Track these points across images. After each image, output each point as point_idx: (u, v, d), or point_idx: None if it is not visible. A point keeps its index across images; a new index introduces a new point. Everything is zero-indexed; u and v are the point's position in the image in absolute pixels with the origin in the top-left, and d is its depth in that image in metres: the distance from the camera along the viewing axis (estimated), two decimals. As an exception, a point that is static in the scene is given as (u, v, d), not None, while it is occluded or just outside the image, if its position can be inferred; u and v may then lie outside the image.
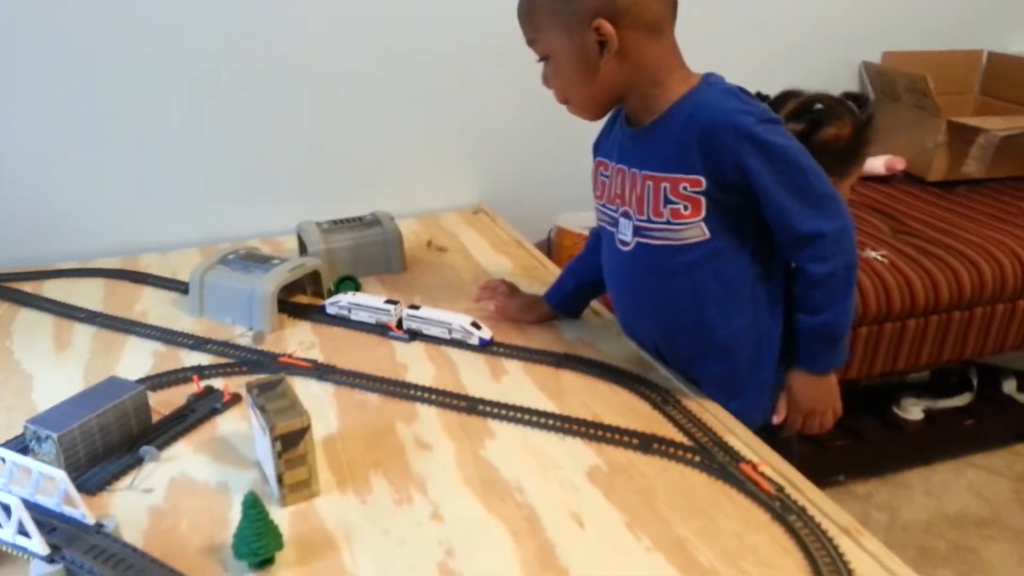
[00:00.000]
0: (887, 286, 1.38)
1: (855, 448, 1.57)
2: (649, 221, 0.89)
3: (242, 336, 1.11)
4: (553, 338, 1.10)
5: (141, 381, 0.97)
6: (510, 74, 1.57)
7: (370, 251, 1.31)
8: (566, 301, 1.14)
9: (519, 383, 0.99)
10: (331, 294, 1.22)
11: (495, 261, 1.38)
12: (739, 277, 0.90)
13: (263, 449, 0.79)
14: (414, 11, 1.48)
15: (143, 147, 1.40)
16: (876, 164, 1.84)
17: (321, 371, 1.01)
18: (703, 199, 0.85)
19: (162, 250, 1.41)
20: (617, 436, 0.87)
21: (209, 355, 1.06)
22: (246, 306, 1.13)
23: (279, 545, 0.70)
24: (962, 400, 1.68)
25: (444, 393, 0.96)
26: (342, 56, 1.47)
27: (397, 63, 1.51)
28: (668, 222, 0.88)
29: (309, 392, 0.97)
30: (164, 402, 0.94)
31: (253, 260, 1.19)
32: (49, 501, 0.68)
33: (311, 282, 1.23)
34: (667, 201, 0.87)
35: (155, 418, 0.90)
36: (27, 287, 1.25)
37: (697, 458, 0.83)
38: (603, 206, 0.97)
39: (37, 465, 0.68)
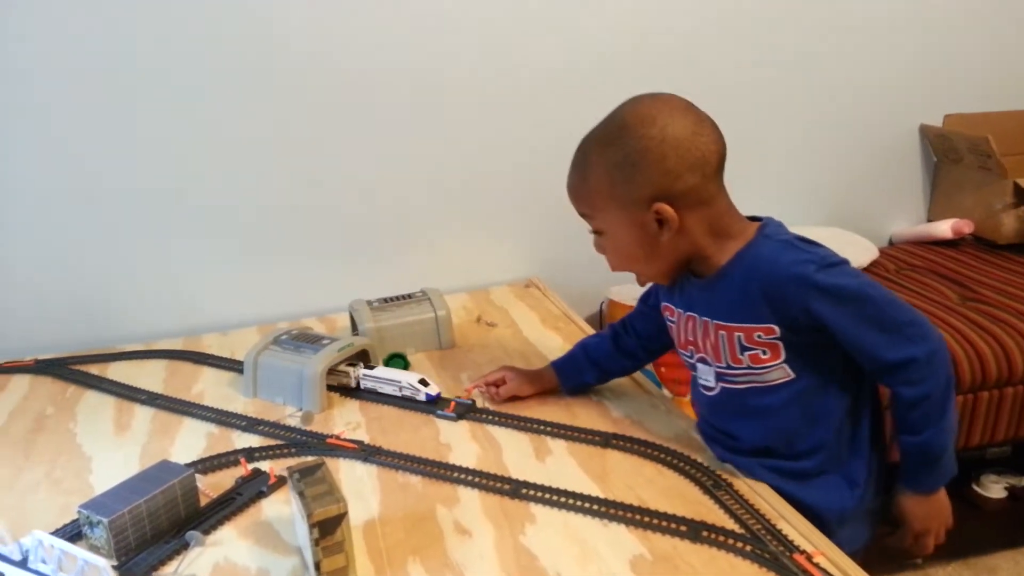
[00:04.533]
0: (956, 357, 1.31)
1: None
2: (729, 368, 0.89)
3: (292, 416, 1.13)
4: (600, 416, 1.08)
5: (193, 464, 0.99)
6: (560, 149, 1.60)
7: (419, 328, 1.33)
8: (572, 364, 1.13)
9: (563, 464, 0.97)
10: (381, 372, 1.24)
11: (544, 336, 1.37)
12: (826, 411, 0.88)
13: (303, 535, 0.79)
14: (470, 87, 1.52)
15: (203, 231, 1.46)
16: (943, 228, 1.78)
17: (367, 452, 1.02)
18: (780, 343, 0.85)
19: (223, 330, 1.46)
20: (663, 523, 0.84)
21: (259, 436, 1.08)
22: (296, 386, 1.15)
23: (313, 637, 0.69)
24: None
25: (487, 475, 0.95)
26: (396, 136, 1.51)
27: (448, 143, 1.55)
28: (749, 367, 0.87)
29: (354, 474, 0.97)
30: (213, 484, 0.95)
31: (304, 340, 1.21)
32: (93, 589, 0.69)
33: (363, 361, 1.24)
34: (744, 348, 0.87)
35: (203, 501, 0.92)
36: (94, 369, 1.31)
37: (748, 547, 0.79)
38: (678, 351, 0.98)
39: (83, 553, 0.70)
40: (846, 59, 1.71)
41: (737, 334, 0.87)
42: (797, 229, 0.89)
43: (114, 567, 0.69)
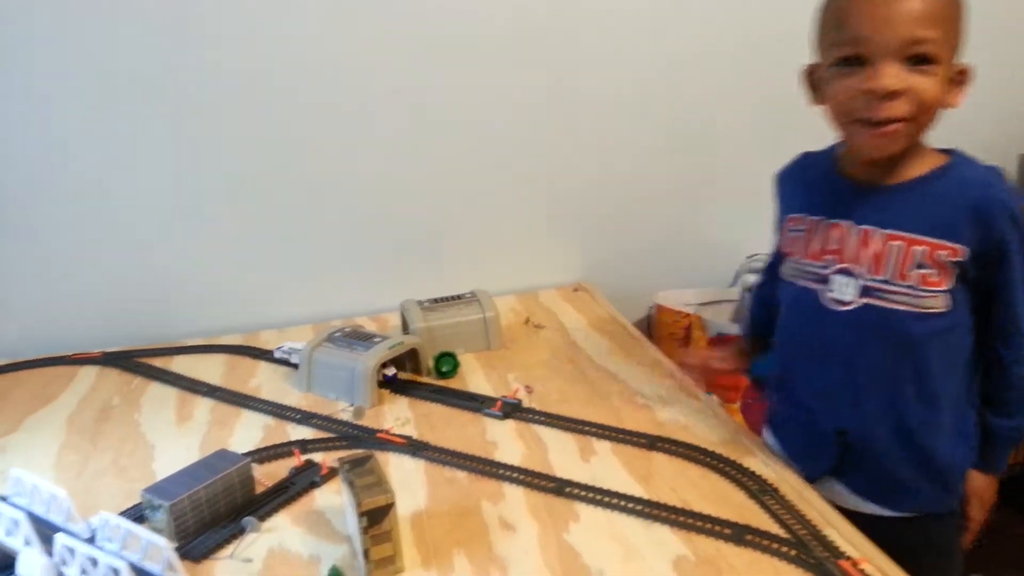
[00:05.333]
0: None
1: (995, 543, 1.43)
2: (887, 283, 0.85)
3: (344, 411, 1.16)
4: (646, 419, 1.09)
5: (249, 454, 1.03)
6: (612, 155, 1.61)
7: (469, 329, 1.35)
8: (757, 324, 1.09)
9: (608, 464, 0.98)
10: (430, 371, 1.27)
11: (592, 339, 1.38)
12: (959, 356, 0.88)
13: (352, 524, 0.82)
14: (522, 91, 1.54)
15: (263, 233, 1.50)
16: None
17: (415, 447, 1.04)
18: (956, 269, 0.84)
19: (280, 327, 1.50)
20: (707, 525, 0.84)
21: (313, 429, 1.11)
22: (348, 382, 1.18)
23: (361, 622, 0.71)
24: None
25: (532, 473, 0.96)
26: (447, 142, 1.54)
27: (499, 148, 1.57)
28: (913, 287, 0.85)
29: (402, 468, 1.00)
30: (268, 474, 0.99)
31: (357, 338, 1.25)
32: (155, 567, 0.73)
33: (411, 358, 1.27)
34: (919, 265, 0.84)
35: (259, 489, 0.95)
36: (157, 362, 1.36)
37: (793, 552, 0.79)
38: (799, 262, 0.93)
39: (146, 533, 0.73)
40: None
41: (917, 247, 0.83)
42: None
43: (174, 549, 0.72)
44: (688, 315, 1.56)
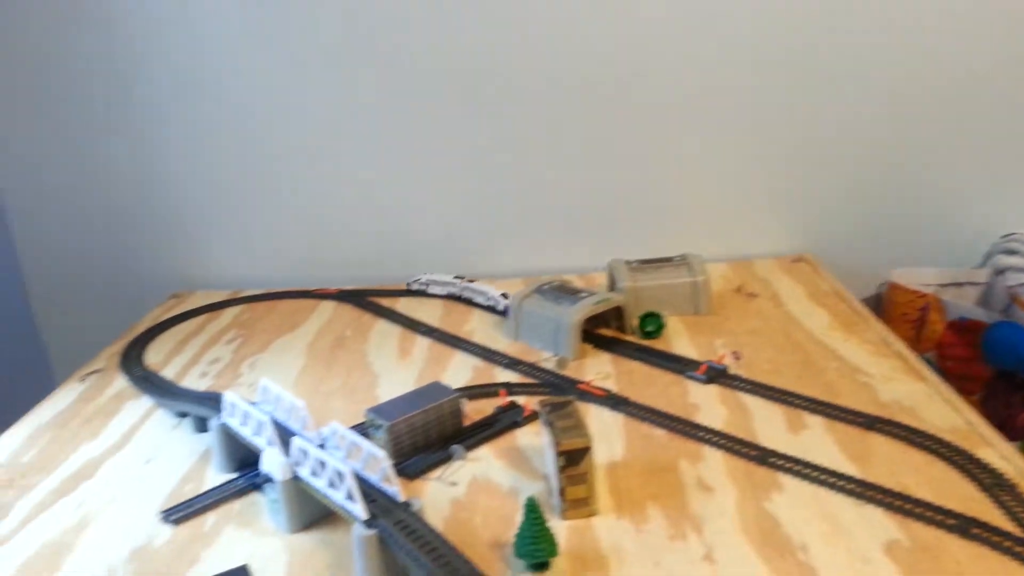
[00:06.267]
0: None
1: None
2: None
3: (547, 360, 1.19)
4: (867, 397, 1.01)
5: (459, 389, 1.09)
6: (841, 117, 1.49)
7: (676, 291, 1.33)
8: None
9: (819, 440, 0.93)
10: (635, 330, 1.26)
11: (809, 310, 1.30)
12: None
13: (550, 463, 0.84)
14: (758, 48, 1.47)
15: (488, 194, 1.58)
16: None
17: (614, 401, 1.05)
18: None
19: (494, 277, 1.57)
20: (928, 512, 0.77)
21: (518, 374, 1.16)
22: (554, 333, 1.22)
23: (553, 552, 0.74)
24: None
25: (734, 439, 0.93)
26: (670, 114, 1.51)
27: (725, 116, 1.51)
28: None
29: (600, 419, 1.01)
30: (476, 410, 1.04)
31: (564, 292, 1.27)
32: (373, 476, 0.80)
33: (616, 317, 1.28)
34: None
35: (466, 423, 1.01)
36: (385, 302, 1.48)
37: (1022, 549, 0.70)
38: None
39: (368, 445, 0.80)
40: None
41: None
42: None
43: (391, 464, 0.79)
44: (925, 295, 1.42)
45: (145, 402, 1.16)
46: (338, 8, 1.47)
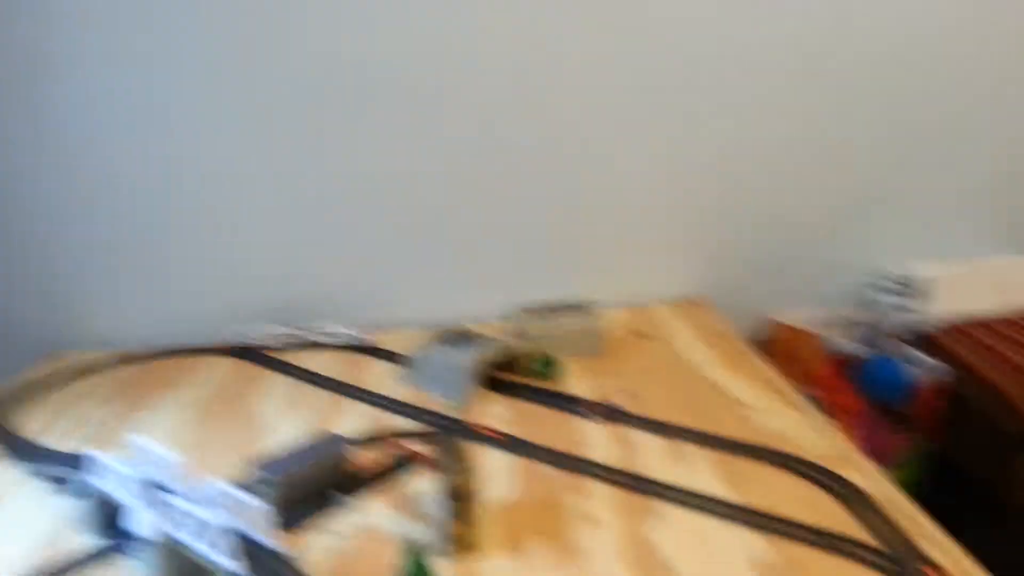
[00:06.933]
0: None
1: None
2: None
3: (445, 407, 1.20)
4: (746, 428, 1.05)
5: (351, 439, 1.08)
6: (730, 165, 1.58)
7: (574, 336, 1.36)
8: None
9: (699, 469, 0.96)
10: (533, 373, 1.28)
11: (699, 351, 1.35)
12: None
13: (437, 504, 0.84)
14: (648, 99, 1.53)
15: (378, 236, 1.57)
16: None
17: (509, 443, 1.06)
18: None
19: (392, 328, 1.57)
20: (797, 531, 0.80)
21: (414, 422, 1.16)
22: (453, 380, 1.22)
23: (434, 593, 0.73)
24: None
25: (620, 472, 0.96)
26: (574, 145, 1.55)
27: (618, 158, 1.57)
28: None
29: (494, 461, 1.02)
30: (367, 458, 1.03)
31: (464, 339, 1.29)
32: (255, 532, 0.78)
33: (515, 362, 1.30)
34: None
35: (357, 472, 1.00)
36: (288, 356, 1.46)
37: (882, 562, 0.74)
38: None
39: (248, 498, 0.79)
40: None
41: None
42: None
43: (273, 518, 0.78)
44: (807, 333, 1.49)
45: (13, 467, 1.11)
46: (205, 48, 1.44)
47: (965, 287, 1.48)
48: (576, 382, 1.26)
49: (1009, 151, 1.61)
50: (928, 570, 0.71)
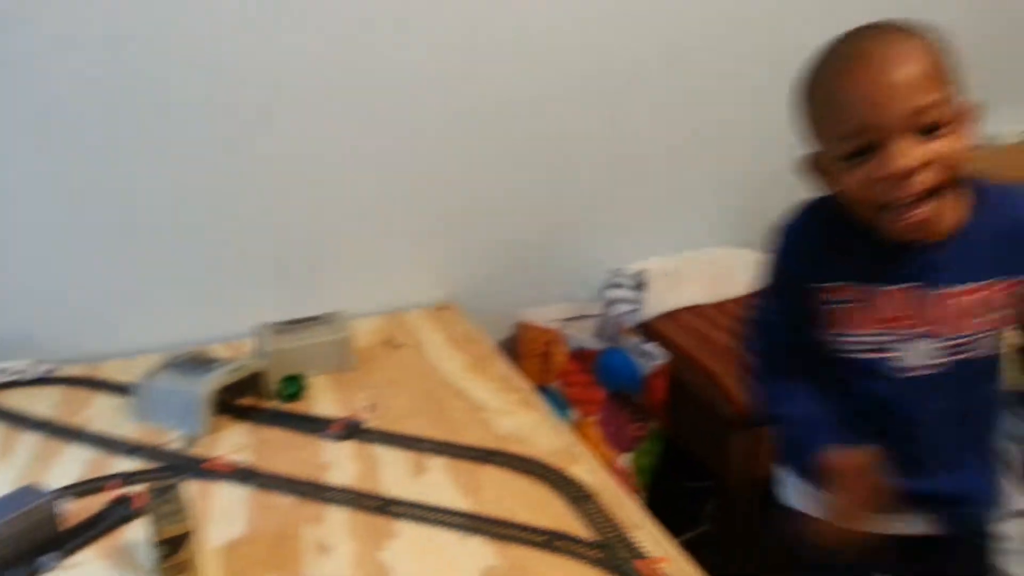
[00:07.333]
0: None
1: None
2: (970, 336, 0.80)
3: (176, 441, 1.12)
4: (486, 433, 1.09)
5: (65, 488, 0.98)
6: (471, 170, 1.62)
7: (321, 350, 1.33)
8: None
9: (438, 481, 0.98)
10: (277, 394, 1.24)
11: (447, 355, 1.38)
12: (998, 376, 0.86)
13: (151, 554, 0.78)
14: (385, 105, 1.52)
15: (108, 253, 1.44)
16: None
17: (242, 475, 1.01)
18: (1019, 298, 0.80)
19: (126, 356, 1.44)
20: (523, 534, 0.85)
21: (139, 460, 1.07)
22: (184, 410, 1.15)
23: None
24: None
25: (359, 494, 0.95)
26: (311, 155, 1.50)
27: (359, 169, 1.55)
28: (987, 332, 0.80)
29: (226, 496, 0.97)
30: (81, 508, 0.94)
31: (196, 363, 1.21)
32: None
33: (256, 383, 1.24)
34: (991, 310, 0.79)
35: (68, 525, 0.90)
36: (-14, 397, 1.29)
37: (599, 555, 0.80)
38: (861, 336, 0.82)
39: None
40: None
41: (987, 293, 0.78)
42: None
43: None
44: (549, 331, 1.58)
45: None
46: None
47: (682, 278, 1.64)
48: (324, 400, 1.23)
49: (734, 153, 1.79)
50: (639, 562, 0.77)
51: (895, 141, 0.72)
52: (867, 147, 0.73)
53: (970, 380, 0.81)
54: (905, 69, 0.72)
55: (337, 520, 0.90)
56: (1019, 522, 1.36)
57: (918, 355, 0.80)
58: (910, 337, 0.80)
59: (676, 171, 1.76)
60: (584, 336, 1.58)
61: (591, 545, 0.82)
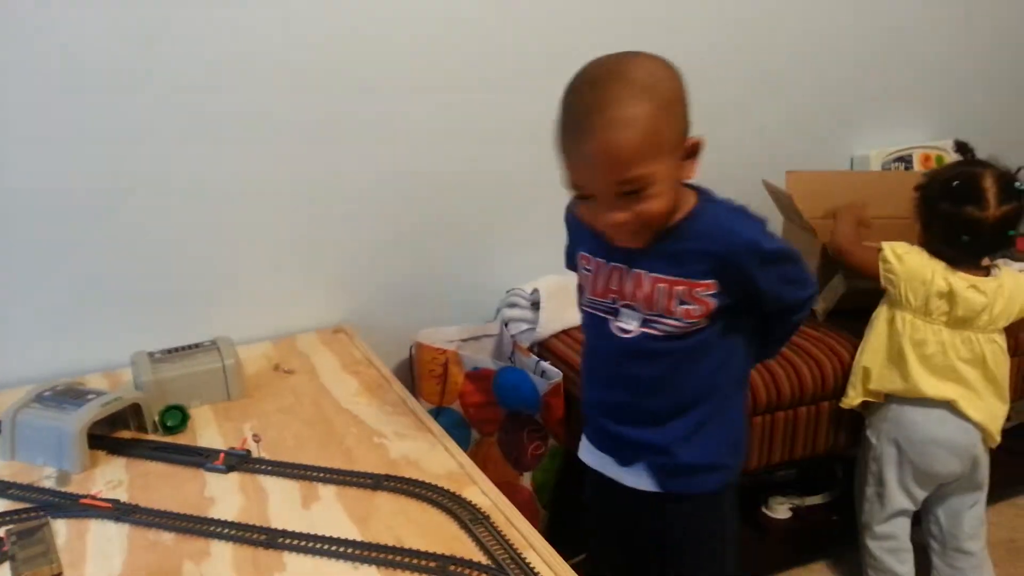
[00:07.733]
0: (754, 382, 1.39)
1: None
2: (660, 316, 0.95)
3: (48, 478, 1.05)
4: (378, 458, 1.08)
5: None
6: (365, 192, 1.61)
7: (205, 379, 1.28)
8: None
9: (329, 510, 0.96)
10: (156, 426, 1.18)
11: (342, 381, 1.36)
12: (724, 361, 0.99)
13: (15, 604, 0.74)
14: (270, 128, 1.49)
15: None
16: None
17: (120, 512, 0.96)
18: (716, 299, 0.93)
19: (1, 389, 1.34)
20: (414, 560, 0.84)
21: (8, 500, 1.00)
22: (56, 445, 1.08)
23: None
24: (829, 496, 1.69)
25: (245, 527, 0.92)
26: (195, 175, 1.45)
27: (253, 189, 1.51)
28: (679, 319, 0.94)
29: (103, 535, 0.92)
30: (-65, 558, 0.87)
31: (69, 396, 1.14)
32: None
33: (135, 415, 1.18)
34: (682, 302, 0.93)
35: (-81, 577, 0.83)
36: None
37: (491, 578, 0.80)
38: (592, 299, 1.01)
39: None
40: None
41: (679, 287, 0.93)
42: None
43: None
44: (446, 351, 1.57)
45: None
46: None
47: (574, 296, 1.67)
48: (208, 431, 1.19)
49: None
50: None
51: (603, 201, 0.87)
52: (588, 194, 0.89)
53: (653, 349, 0.96)
54: (618, 141, 0.83)
55: (222, 555, 0.87)
56: (896, 521, 1.45)
57: (627, 321, 0.97)
58: (617, 307, 0.97)
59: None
60: (481, 356, 1.59)
61: (484, 569, 0.82)
